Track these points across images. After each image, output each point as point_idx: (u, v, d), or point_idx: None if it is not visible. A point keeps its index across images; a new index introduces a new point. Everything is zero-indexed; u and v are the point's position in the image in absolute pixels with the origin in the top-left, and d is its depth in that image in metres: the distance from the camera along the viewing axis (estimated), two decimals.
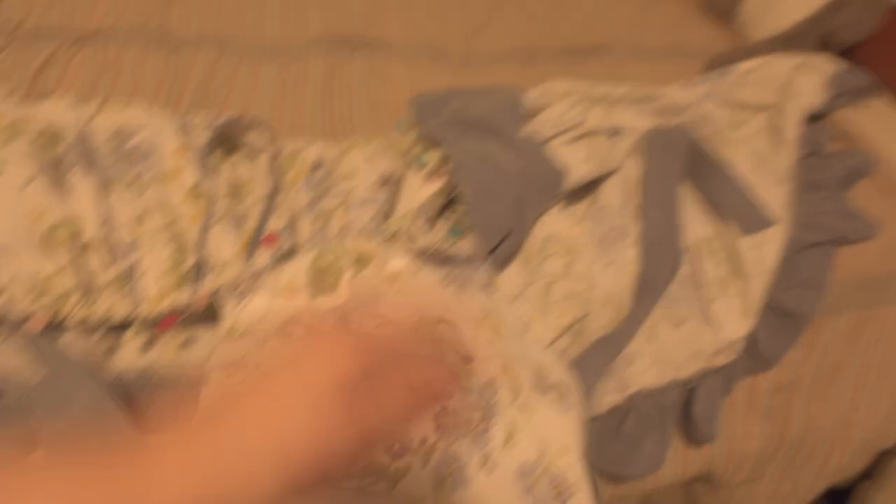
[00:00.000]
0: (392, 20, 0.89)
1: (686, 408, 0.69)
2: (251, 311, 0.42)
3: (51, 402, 0.37)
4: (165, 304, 0.44)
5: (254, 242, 0.46)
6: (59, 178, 0.48)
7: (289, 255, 0.47)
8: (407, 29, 0.88)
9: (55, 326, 0.44)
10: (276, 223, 0.48)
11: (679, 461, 0.66)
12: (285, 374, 0.26)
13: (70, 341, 0.45)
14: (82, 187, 0.46)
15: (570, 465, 0.41)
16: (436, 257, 0.49)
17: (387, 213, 0.50)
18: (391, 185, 0.51)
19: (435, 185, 0.55)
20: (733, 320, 0.65)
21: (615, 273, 0.63)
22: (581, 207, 0.66)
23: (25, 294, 0.43)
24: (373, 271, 0.48)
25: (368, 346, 0.27)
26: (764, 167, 0.72)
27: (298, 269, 0.43)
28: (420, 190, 0.56)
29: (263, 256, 0.45)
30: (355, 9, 0.89)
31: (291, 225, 0.49)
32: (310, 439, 0.24)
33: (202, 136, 0.53)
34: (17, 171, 0.46)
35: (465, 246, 0.48)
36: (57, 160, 0.49)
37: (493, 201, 0.52)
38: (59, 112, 0.52)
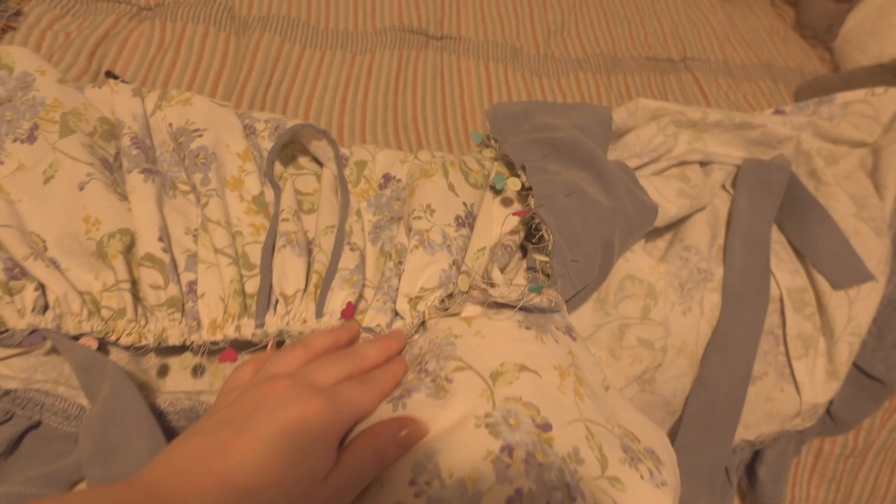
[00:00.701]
0: (467, 15, 0.83)
1: (751, 467, 0.64)
2: None
3: (103, 442, 0.34)
4: (227, 333, 0.40)
5: (325, 287, 0.42)
6: (117, 179, 0.44)
7: (358, 297, 0.43)
8: (482, 26, 0.82)
9: (105, 345, 0.41)
10: (347, 260, 0.43)
11: None
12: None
13: (119, 359, 0.42)
14: (141, 193, 0.42)
15: None
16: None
17: (463, 258, 0.46)
18: (469, 224, 0.46)
19: (513, 220, 0.50)
20: (818, 382, 0.59)
21: (694, 320, 0.57)
22: (661, 244, 0.61)
23: (78, 311, 0.39)
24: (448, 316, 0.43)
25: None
26: (862, 213, 0.66)
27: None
28: (495, 221, 0.51)
29: (333, 308, 0.41)
30: (429, 1, 0.83)
31: (362, 262, 0.45)
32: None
33: (266, 143, 0.49)
34: (73, 170, 0.42)
35: (546, 298, 0.43)
36: (114, 158, 0.46)
37: (578, 247, 0.46)
38: (118, 101, 0.48)
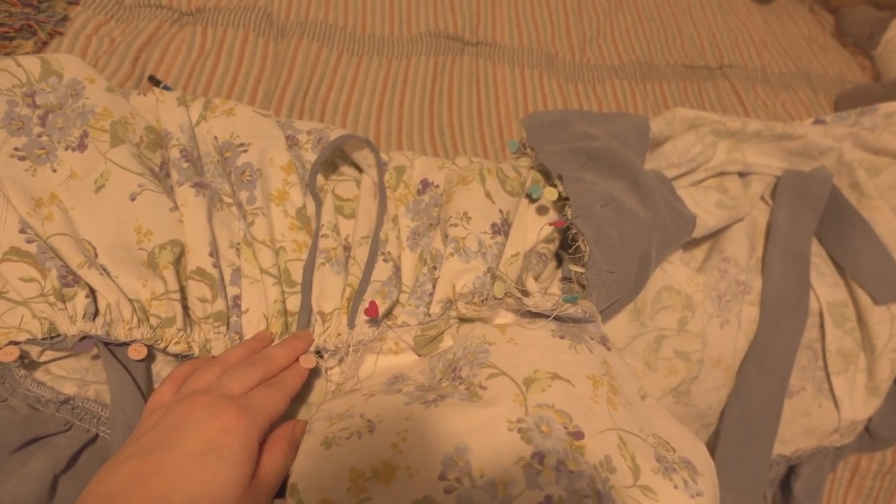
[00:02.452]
0: (502, 22, 0.83)
1: (786, 481, 0.64)
2: (357, 374, 0.38)
3: None
4: None
5: (357, 299, 0.42)
6: (167, 190, 0.45)
7: (392, 306, 0.43)
8: (517, 32, 0.82)
9: (152, 352, 0.42)
10: (380, 272, 0.44)
11: None
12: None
13: (162, 369, 0.43)
14: (193, 208, 0.43)
15: None
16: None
17: (498, 265, 0.46)
18: (504, 232, 0.47)
19: (549, 229, 0.50)
20: (858, 399, 0.58)
21: (731, 333, 0.57)
22: (699, 255, 0.61)
23: (129, 318, 0.40)
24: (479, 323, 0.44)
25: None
26: None
27: (403, 337, 0.40)
28: (530, 228, 0.51)
29: (364, 322, 0.42)
30: (465, 7, 0.83)
31: (396, 273, 0.45)
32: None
33: (308, 154, 0.49)
34: (124, 180, 0.43)
35: (580, 308, 0.43)
36: (161, 168, 0.47)
37: (614, 258, 0.46)
38: (164, 111, 0.49)
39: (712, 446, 0.57)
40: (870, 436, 0.65)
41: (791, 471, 0.63)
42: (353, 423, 0.35)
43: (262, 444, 0.34)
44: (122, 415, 0.37)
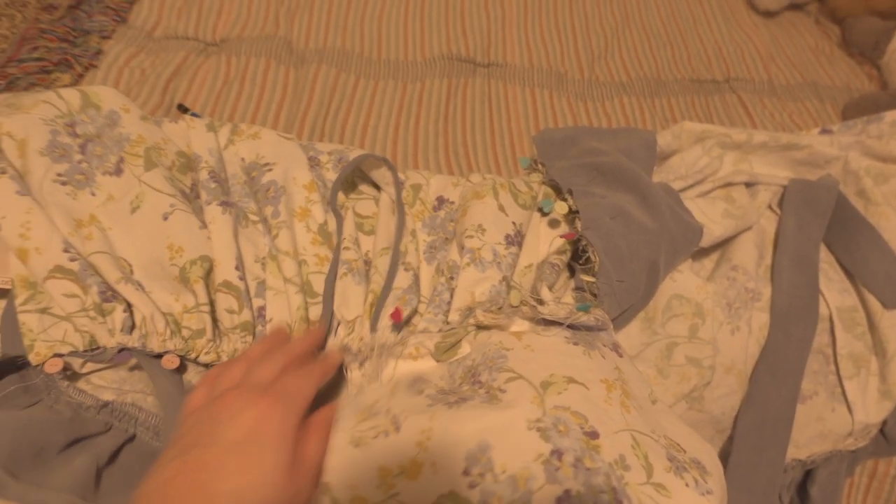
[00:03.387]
0: (512, 43, 0.86)
1: (803, 486, 0.64)
2: (379, 376, 0.41)
3: None
4: None
5: (380, 304, 0.45)
6: (195, 209, 0.48)
7: (412, 315, 0.46)
8: (527, 53, 0.85)
9: (185, 362, 0.44)
10: (401, 280, 0.46)
11: None
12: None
13: (192, 378, 0.45)
14: (220, 225, 0.46)
15: None
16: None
17: (512, 274, 0.48)
18: (518, 243, 0.49)
19: (560, 241, 0.52)
20: (870, 402, 0.59)
21: (742, 340, 0.58)
22: (708, 264, 0.62)
23: (161, 332, 0.43)
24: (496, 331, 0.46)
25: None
26: None
27: (423, 342, 0.42)
28: (543, 241, 0.53)
29: (386, 324, 0.44)
30: (476, 30, 0.87)
31: (415, 281, 0.47)
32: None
33: (329, 174, 0.52)
34: (157, 201, 0.46)
35: (592, 317, 0.45)
36: (192, 189, 0.50)
37: (624, 268, 0.48)
38: (194, 137, 0.52)
39: (727, 452, 0.58)
40: (886, 440, 0.65)
41: (808, 475, 0.63)
42: (379, 422, 0.37)
43: (302, 429, 0.35)
44: (174, 409, 0.40)
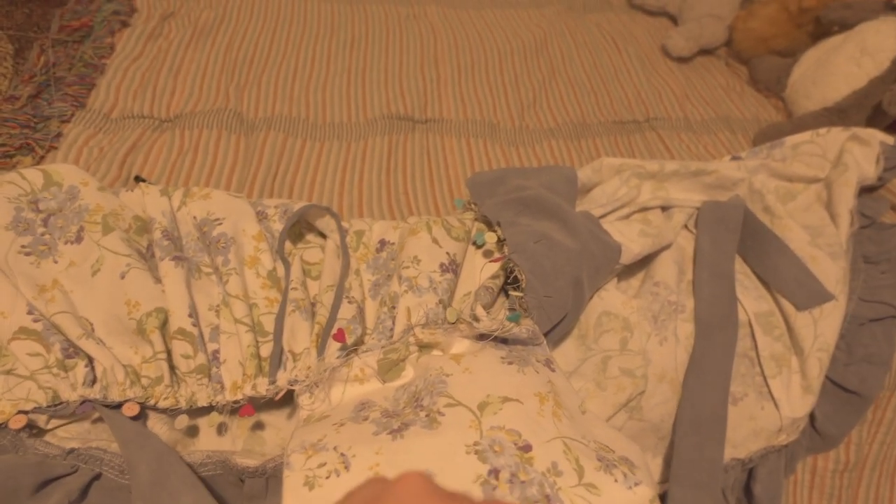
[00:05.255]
0: (447, 99, 0.94)
1: (747, 487, 0.68)
2: (327, 400, 0.44)
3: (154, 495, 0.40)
4: (246, 392, 0.47)
5: (326, 334, 0.49)
6: (152, 267, 0.52)
7: (357, 344, 0.50)
8: (462, 107, 0.93)
9: (144, 409, 0.47)
10: (345, 311, 0.51)
11: None
12: None
13: (154, 424, 0.48)
14: (173, 277, 0.50)
15: None
16: (496, 339, 0.51)
17: (450, 299, 0.53)
18: (453, 270, 0.54)
19: (493, 267, 0.57)
20: (795, 398, 0.64)
21: (671, 349, 0.63)
22: (635, 283, 0.68)
23: (121, 382, 0.46)
24: (437, 354, 0.50)
25: None
26: (818, 241, 0.73)
27: (367, 361, 0.46)
28: (478, 271, 0.58)
29: (333, 350, 0.48)
30: (413, 90, 0.94)
31: (360, 313, 0.52)
32: None
33: (276, 225, 0.57)
34: (115, 263, 0.50)
35: (524, 328, 0.50)
36: (148, 249, 0.54)
37: (549, 284, 0.53)
38: (149, 201, 0.57)
39: (670, 456, 0.62)
40: (819, 435, 0.69)
41: (750, 475, 0.67)
42: (328, 459, 0.40)
43: None
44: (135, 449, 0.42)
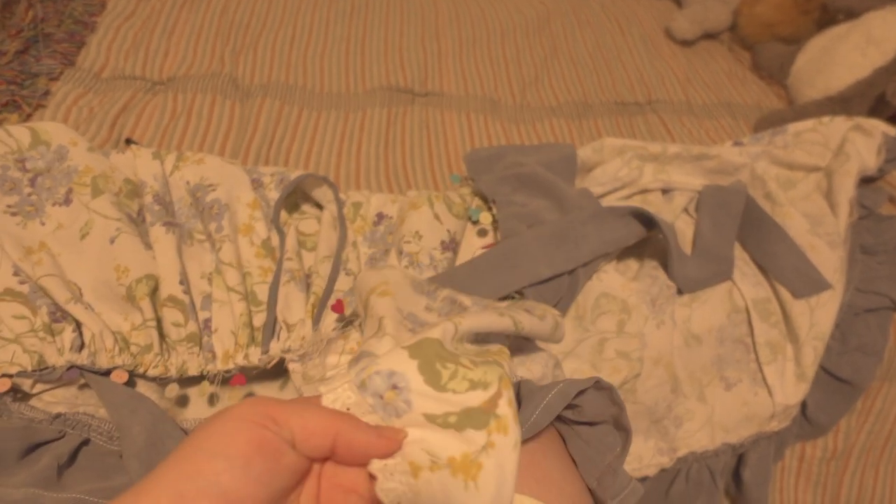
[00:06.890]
0: (448, 73, 0.92)
1: (736, 472, 0.68)
2: (321, 369, 0.43)
3: (151, 465, 0.39)
4: (237, 361, 0.46)
5: (322, 305, 0.48)
6: (142, 232, 0.50)
7: (354, 316, 0.48)
8: (462, 82, 0.91)
9: (133, 377, 0.46)
10: (342, 283, 0.49)
11: None
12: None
13: (145, 392, 0.47)
14: (164, 244, 0.48)
15: None
16: None
17: None
18: (452, 249, 0.53)
19: (487, 244, 0.56)
20: (788, 385, 0.64)
21: (667, 333, 0.63)
22: (633, 265, 0.67)
23: (109, 349, 0.45)
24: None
25: None
26: (817, 230, 0.72)
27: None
28: (473, 252, 0.57)
29: (330, 322, 0.47)
30: (414, 63, 0.92)
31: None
32: None
33: (272, 193, 0.55)
34: (105, 226, 0.48)
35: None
36: (139, 214, 0.52)
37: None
38: (140, 164, 0.55)
39: (662, 441, 0.62)
40: (809, 423, 0.70)
41: (740, 460, 0.67)
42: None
43: None
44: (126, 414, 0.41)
